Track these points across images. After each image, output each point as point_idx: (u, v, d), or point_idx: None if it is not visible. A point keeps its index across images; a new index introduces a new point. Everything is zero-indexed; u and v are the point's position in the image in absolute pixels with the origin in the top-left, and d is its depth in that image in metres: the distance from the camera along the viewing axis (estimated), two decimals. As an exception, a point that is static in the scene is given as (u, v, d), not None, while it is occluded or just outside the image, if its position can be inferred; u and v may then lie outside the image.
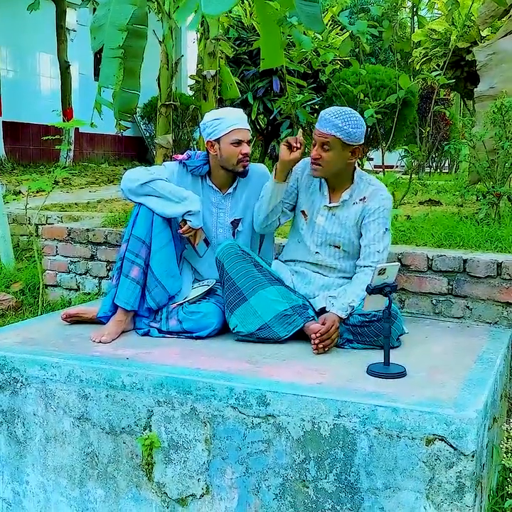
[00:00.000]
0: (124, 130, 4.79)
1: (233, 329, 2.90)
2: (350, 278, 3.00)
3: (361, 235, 2.97)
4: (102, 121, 4.47)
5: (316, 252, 3.01)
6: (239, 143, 3.01)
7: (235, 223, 3.15)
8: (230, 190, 3.15)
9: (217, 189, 3.15)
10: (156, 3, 5.20)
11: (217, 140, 3.02)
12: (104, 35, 4.28)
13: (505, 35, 4.60)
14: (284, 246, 3.26)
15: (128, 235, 3.01)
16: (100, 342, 2.87)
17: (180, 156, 3.16)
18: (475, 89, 4.69)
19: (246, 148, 3.02)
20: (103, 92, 4.34)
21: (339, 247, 2.99)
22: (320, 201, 3.02)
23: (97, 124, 4.43)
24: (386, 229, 2.96)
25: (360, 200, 2.97)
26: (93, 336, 2.91)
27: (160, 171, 3.12)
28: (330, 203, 2.99)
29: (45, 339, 2.93)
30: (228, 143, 3.00)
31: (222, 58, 6.52)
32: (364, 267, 2.93)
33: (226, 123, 3.00)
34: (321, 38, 7.40)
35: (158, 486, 2.51)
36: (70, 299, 4.23)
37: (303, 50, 6.01)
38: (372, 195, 2.96)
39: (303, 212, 3.05)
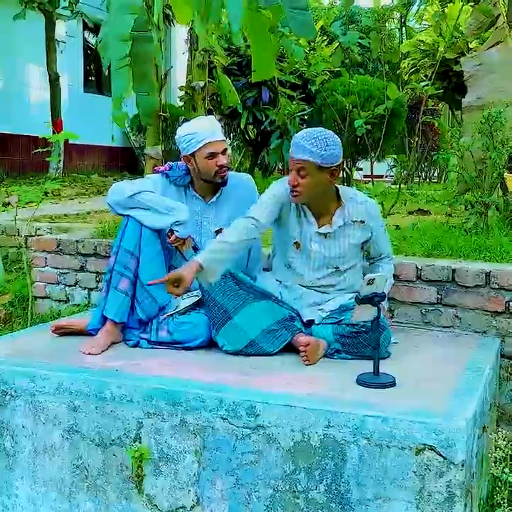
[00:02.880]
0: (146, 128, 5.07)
1: (221, 347, 2.87)
2: (341, 290, 2.99)
3: (359, 249, 3.02)
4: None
5: (310, 281, 2.97)
6: (213, 155, 3.01)
7: (219, 233, 3.14)
8: (214, 199, 3.16)
9: (200, 198, 3.16)
10: (146, 15, 5.23)
11: (192, 155, 3.03)
12: (110, 51, 4.34)
13: (492, 46, 4.64)
14: (272, 256, 3.24)
15: (117, 247, 3.01)
16: (90, 354, 2.85)
17: (161, 168, 3.17)
18: (463, 100, 4.72)
19: (221, 160, 3.01)
20: (125, 106, 4.40)
21: (337, 268, 2.96)
22: (309, 228, 2.93)
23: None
24: (384, 229, 3.06)
25: (354, 221, 2.92)
26: (82, 347, 2.90)
27: (144, 183, 3.12)
28: (319, 228, 2.92)
29: (35, 351, 2.91)
30: (203, 157, 3.01)
31: (218, 66, 6.56)
32: (383, 258, 3.08)
33: (198, 138, 3.00)
34: (309, 49, 7.43)
35: (148, 499, 2.50)
36: (59, 310, 4.21)
37: (294, 60, 6.04)
38: (367, 214, 2.93)
39: (296, 243, 2.95)
